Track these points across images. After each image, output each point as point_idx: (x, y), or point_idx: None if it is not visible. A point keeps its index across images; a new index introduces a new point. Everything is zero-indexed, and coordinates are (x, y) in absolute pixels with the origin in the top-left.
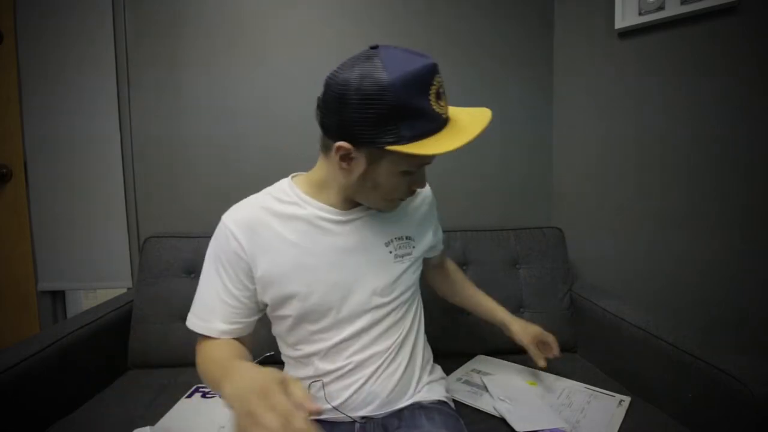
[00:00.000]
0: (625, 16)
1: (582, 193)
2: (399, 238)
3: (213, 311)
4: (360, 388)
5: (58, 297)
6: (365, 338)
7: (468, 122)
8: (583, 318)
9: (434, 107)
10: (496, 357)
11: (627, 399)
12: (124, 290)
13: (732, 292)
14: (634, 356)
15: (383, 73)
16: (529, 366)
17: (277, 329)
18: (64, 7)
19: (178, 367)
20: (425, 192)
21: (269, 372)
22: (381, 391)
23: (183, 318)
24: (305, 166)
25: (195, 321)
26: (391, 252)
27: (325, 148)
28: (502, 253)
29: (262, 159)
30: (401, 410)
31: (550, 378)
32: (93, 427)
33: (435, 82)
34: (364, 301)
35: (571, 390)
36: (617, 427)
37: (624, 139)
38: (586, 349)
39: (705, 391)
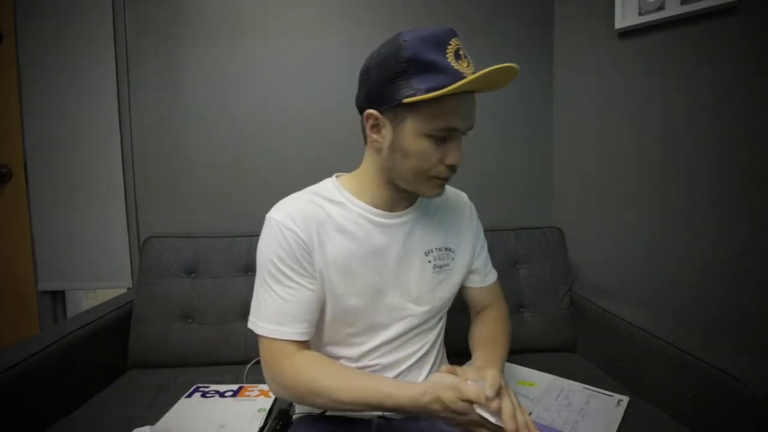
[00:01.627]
0: (625, 16)
1: (582, 193)
2: (439, 249)
3: (290, 314)
4: None
5: (58, 297)
6: (395, 343)
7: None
8: (583, 318)
9: (452, 64)
10: None
11: (625, 399)
12: (124, 290)
13: (732, 292)
14: (633, 356)
15: (400, 37)
16: (530, 367)
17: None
18: (64, 7)
19: (178, 367)
20: (463, 198)
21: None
22: None
23: (183, 318)
24: (305, 165)
25: (273, 327)
26: (430, 262)
27: (364, 134)
28: (502, 253)
29: (262, 159)
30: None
31: (549, 378)
32: (93, 427)
33: (452, 42)
34: (399, 308)
35: (570, 390)
36: (616, 427)
37: (624, 138)
38: (586, 349)
39: (705, 391)
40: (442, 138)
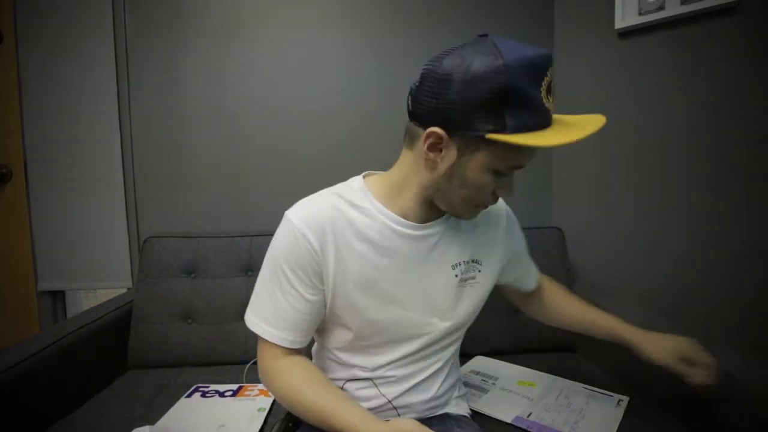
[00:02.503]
0: (625, 16)
1: (582, 193)
2: (467, 262)
3: (283, 318)
4: (396, 398)
5: (58, 297)
6: (414, 357)
7: (575, 123)
8: None
9: (543, 100)
10: (496, 358)
11: (625, 399)
12: (124, 290)
13: (732, 292)
14: (633, 356)
15: (497, 54)
16: (530, 367)
17: (326, 337)
18: (64, 7)
19: (178, 367)
20: (500, 206)
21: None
22: (415, 404)
23: (183, 318)
24: (305, 165)
25: (262, 326)
26: (456, 276)
27: (412, 140)
28: None
29: (262, 159)
30: (431, 419)
31: (549, 378)
32: (93, 427)
33: (548, 74)
34: (421, 323)
35: (570, 390)
36: (616, 427)
37: (624, 139)
38: (586, 349)
39: (705, 391)
40: (504, 173)
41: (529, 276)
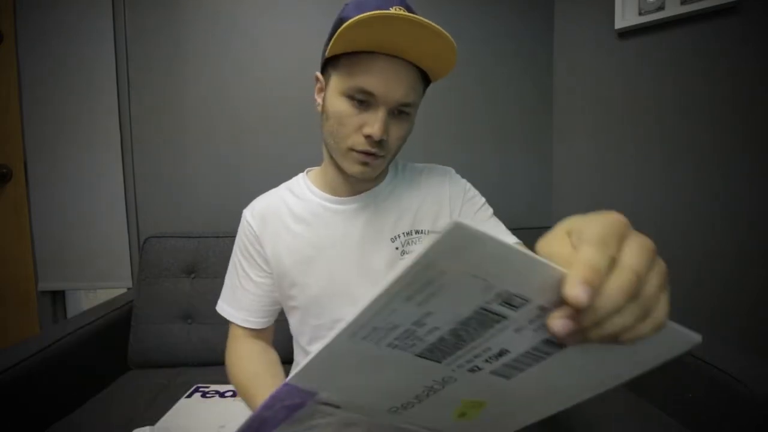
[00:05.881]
0: (625, 16)
1: (582, 194)
2: (408, 233)
3: (238, 299)
4: None
5: (58, 297)
6: None
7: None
8: None
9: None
10: None
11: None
12: (124, 290)
13: (732, 292)
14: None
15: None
16: None
17: (291, 327)
18: (64, 7)
19: (178, 367)
20: (443, 173)
21: None
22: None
23: (183, 318)
24: (304, 165)
25: (223, 306)
26: (397, 248)
27: None
28: None
29: (262, 159)
30: None
31: None
32: (93, 427)
33: (393, 9)
34: None
35: None
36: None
37: (624, 139)
38: None
39: (705, 391)
40: (361, 102)
41: None
